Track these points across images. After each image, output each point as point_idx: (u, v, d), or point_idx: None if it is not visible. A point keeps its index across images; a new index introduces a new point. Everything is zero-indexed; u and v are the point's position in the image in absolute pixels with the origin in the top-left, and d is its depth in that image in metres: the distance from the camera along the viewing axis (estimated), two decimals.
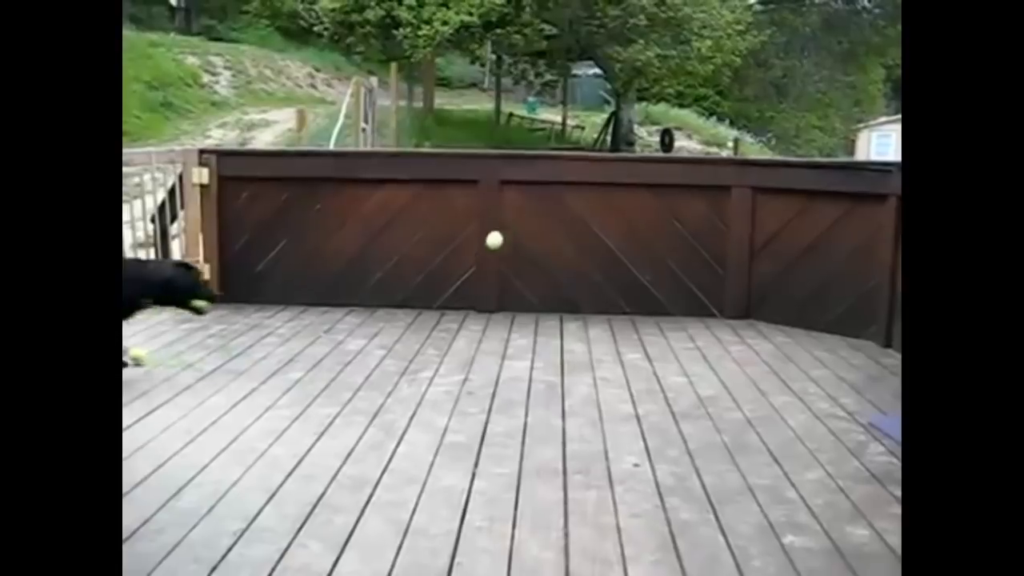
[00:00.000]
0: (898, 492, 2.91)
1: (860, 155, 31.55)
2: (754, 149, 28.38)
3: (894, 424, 3.58)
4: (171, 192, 5.96)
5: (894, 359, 4.73)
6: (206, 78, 23.83)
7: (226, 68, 24.95)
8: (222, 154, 6.25)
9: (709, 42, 22.08)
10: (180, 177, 5.88)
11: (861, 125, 34.09)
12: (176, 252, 6.20)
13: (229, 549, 2.44)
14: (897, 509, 2.78)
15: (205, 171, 5.82)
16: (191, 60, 23.97)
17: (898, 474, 3.07)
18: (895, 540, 2.55)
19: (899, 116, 34.80)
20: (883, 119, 34.95)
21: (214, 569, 2.33)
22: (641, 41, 21.32)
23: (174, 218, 6.14)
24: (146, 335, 5.03)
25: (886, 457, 3.25)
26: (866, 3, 29.96)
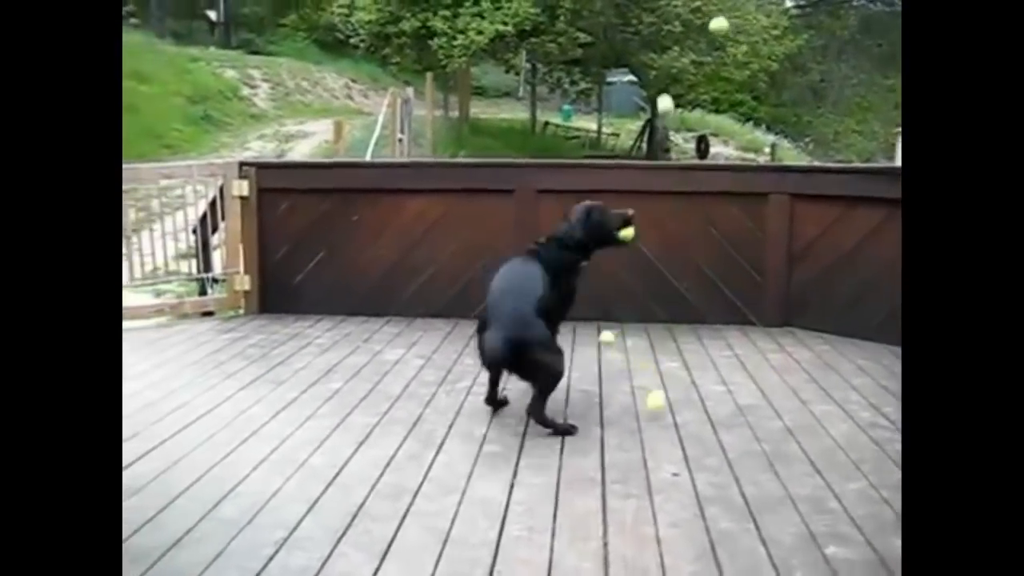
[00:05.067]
0: None
1: (900, 159, 31.13)
2: (791, 154, 28.08)
3: None
4: (212, 204, 6.07)
5: None
6: (245, 91, 24.14)
7: (264, 81, 25.27)
8: (261, 166, 6.33)
9: (745, 47, 21.94)
10: (221, 189, 5.97)
11: (901, 129, 33.65)
12: (217, 263, 6.31)
13: (270, 559, 2.46)
14: None
15: (245, 183, 5.90)
16: (230, 73, 24.30)
17: None
18: None
19: None
20: None
21: None
22: (676, 48, 21.27)
23: (215, 230, 6.25)
24: (189, 344, 5.12)
25: None
26: None
